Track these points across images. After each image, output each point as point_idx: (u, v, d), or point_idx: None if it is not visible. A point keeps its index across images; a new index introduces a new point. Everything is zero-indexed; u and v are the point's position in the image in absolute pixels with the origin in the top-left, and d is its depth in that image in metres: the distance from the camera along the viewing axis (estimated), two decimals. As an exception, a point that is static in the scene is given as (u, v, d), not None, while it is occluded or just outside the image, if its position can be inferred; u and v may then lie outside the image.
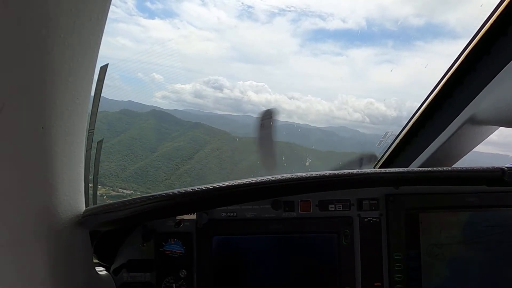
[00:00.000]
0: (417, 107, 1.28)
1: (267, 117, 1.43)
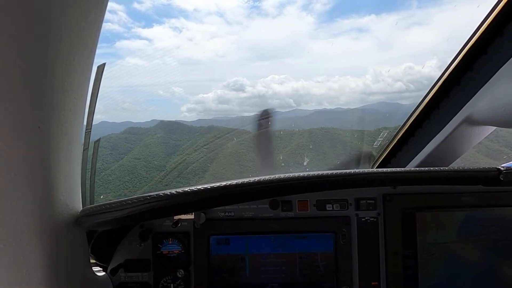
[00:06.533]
0: (414, 108, 1.29)
1: (265, 116, 1.43)
